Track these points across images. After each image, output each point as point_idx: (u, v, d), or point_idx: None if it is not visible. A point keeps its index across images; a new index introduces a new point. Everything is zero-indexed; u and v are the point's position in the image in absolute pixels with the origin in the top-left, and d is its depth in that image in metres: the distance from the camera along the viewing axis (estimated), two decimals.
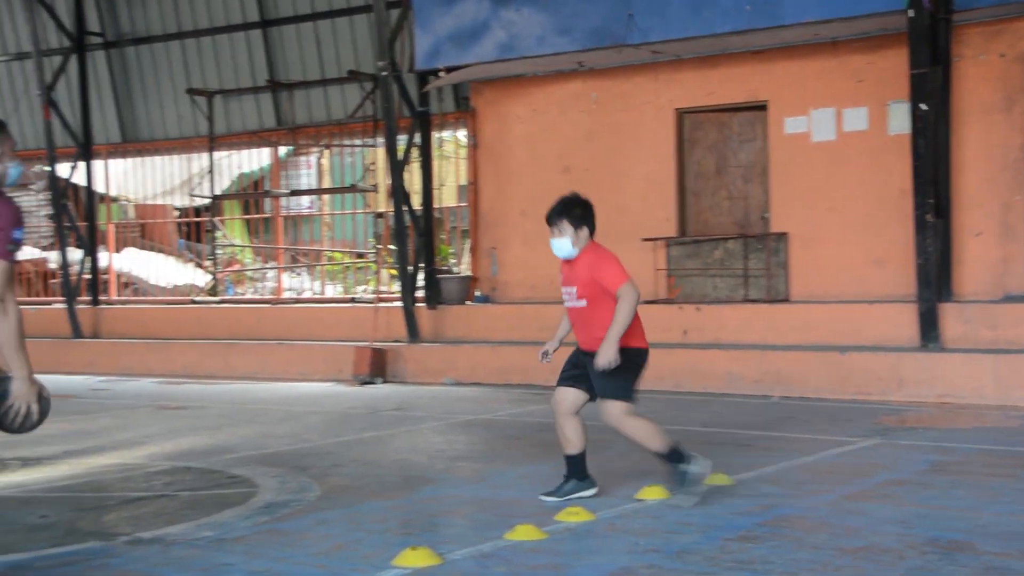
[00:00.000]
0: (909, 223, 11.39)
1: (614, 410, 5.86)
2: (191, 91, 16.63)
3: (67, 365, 15.96)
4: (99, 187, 17.87)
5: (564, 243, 5.93)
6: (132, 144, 17.88)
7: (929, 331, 10.96)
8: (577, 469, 6.10)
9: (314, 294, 17.33)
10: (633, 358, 5.89)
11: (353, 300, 15.64)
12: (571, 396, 6.04)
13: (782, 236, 12.74)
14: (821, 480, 6.72)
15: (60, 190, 16.63)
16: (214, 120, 16.70)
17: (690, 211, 13.50)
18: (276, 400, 11.89)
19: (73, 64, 16.94)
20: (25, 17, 16.76)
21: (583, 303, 5.92)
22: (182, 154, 17.68)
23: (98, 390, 13.52)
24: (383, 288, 15.60)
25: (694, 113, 13.44)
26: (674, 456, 5.87)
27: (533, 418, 9.97)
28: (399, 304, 14.06)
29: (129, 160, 18.22)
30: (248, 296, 17.96)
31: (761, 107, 13.00)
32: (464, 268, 15.78)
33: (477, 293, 14.73)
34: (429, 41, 13.66)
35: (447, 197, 15.65)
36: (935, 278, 11.03)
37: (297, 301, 16.42)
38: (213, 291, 17.29)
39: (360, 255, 17.52)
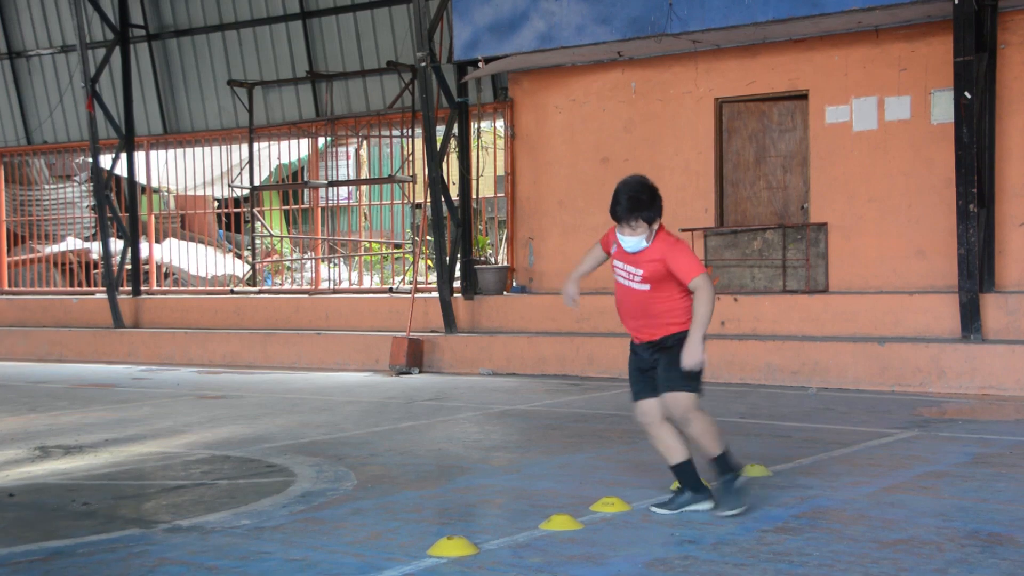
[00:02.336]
0: (951, 213, 11.27)
1: (684, 401, 5.49)
2: (232, 83, 16.75)
3: (108, 354, 16.16)
4: (141, 178, 18.05)
5: (639, 240, 5.48)
6: (173, 135, 18.04)
7: (971, 322, 10.84)
8: (689, 479, 5.62)
9: (351, 284, 17.40)
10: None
11: (390, 290, 15.70)
12: (655, 405, 5.60)
13: (822, 226, 12.64)
14: (859, 472, 6.66)
15: (103, 181, 16.80)
16: (254, 111, 16.80)
17: (729, 201, 13.42)
18: (313, 390, 11.97)
19: (116, 57, 17.12)
20: (70, 11, 16.93)
21: (647, 287, 5.49)
22: (222, 145, 17.82)
23: (139, 379, 13.66)
24: (420, 278, 15.64)
25: (734, 103, 13.35)
26: (726, 463, 5.56)
27: (570, 408, 9.96)
28: (436, 295, 14.11)
29: (170, 151, 18.39)
30: (286, 286, 18.07)
31: (802, 96, 12.89)
32: (501, 259, 15.79)
33: (514, 284, 14.74)
34: (468, 32, 13.65)
35: (485, 188, 15.66)
36: (977, 268, 10.90)
37: (335, 291, 16.50)
38: (252, 281, 17.42)
39: (397, 246, 17.57)
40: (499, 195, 15.92)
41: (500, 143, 15.73)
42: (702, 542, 4.99)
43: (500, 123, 15.55)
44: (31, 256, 19.62)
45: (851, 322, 11.79)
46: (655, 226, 5.48)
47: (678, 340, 5.49)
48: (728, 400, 10.33)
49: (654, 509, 5.59)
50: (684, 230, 13.28)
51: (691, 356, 5.40)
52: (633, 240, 5.48)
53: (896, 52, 12.23)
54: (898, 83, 12.25)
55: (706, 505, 5.57)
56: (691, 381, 5.51)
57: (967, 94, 10.72)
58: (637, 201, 5.42)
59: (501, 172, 15.53)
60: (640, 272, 5.50)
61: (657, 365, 5.57)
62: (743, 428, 8.56)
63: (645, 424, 5.67)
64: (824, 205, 12.69)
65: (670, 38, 12.56)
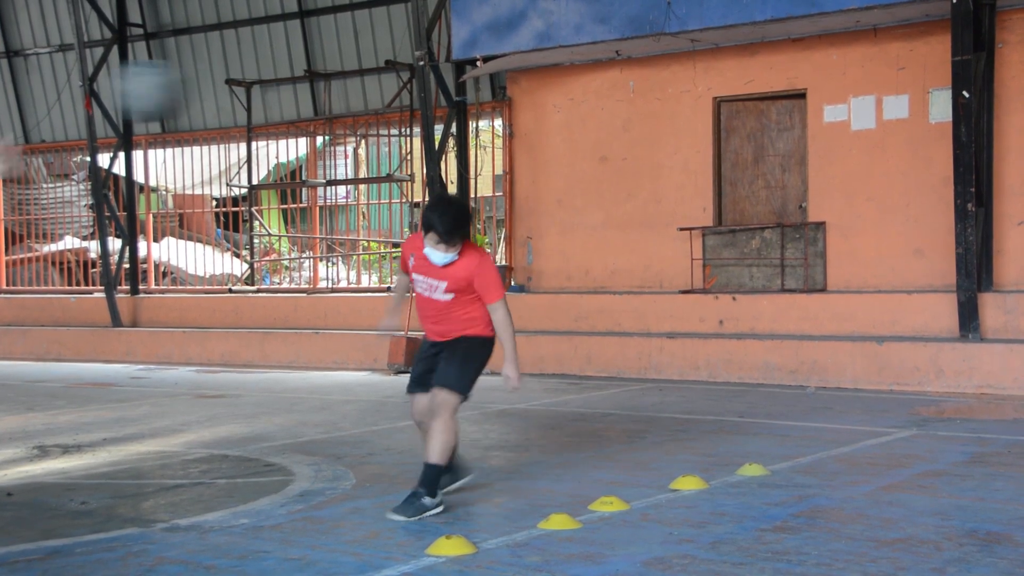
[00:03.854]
0: (949, 212, 11.27)
1: (451, 401, 5.64)
2: (230, 81, 16.73)
3: (107, 353, 16.16)
4: (139, 177, 18.03)
5: (450, 256, 5.63)
6: (171, 134, 18.03)
7: (969, 321, 10.84)
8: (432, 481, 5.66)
9: (350, 283, 17.40)
10: (485, 349, 5.83)
11: (389, 290, 15.69)
12: (427, 402, 5.78)
13: (820, 225, 12.64)
14: (857, 471, 6.67)
15: (101, 180, 16.79)
16: (252, 110, 16.79)
17: (727, 200, 13.43)
18: (311, 389, 11.96)
19: (114, 55, 17.09)
20: (68, 9, 16.92)
21: (450, 297, 5.70)
22: (220, 144, 17.80)
23: (137, 378, 13.66)
24: None
25: (732, 101, 13.35)
26: (435, 480, 5.59)
27: (568, 408, 9.96)
28: None
29: (168, 150, 18.38)
30: (284, 285, 18.07)
31: (800, 95, 12.89)
32: (500, 257, 15.78)
33: (512, 282, 14.74)
34: (466, 30, 13.65)
35: (483, 186, 15.65)
36: (975, 268, 10.91)
37: (333, 290, 16.50)
38: (250, 280, 17.41)
39: (396, 245, 17.56)
40: (497, 194, 15.92)
41: (498, 142, 15.73)
42: (700, 541, 4.99)
43: (498, 122, 15.55)
44: (29, 255, 19.60)
45: (849, 321, 11.80)
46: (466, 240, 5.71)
47: (469, 341, 5.75)
48: (726, 399, 10.33)
49: (391, 515, 5.49)
50: (682, 229, 13.30)
51: (514, 371, 5.74)
52: (446, 256, 5.62)
53: (894, 51, 12.24)
54: (896, 82, 12.25)
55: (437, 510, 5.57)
56: (463, 383, 5.71)
57: (965, 93, 10.73)
58: (462, 223, 5.62)
59: (499, 171, 15.53)
60: (444, 284, 5.69)
61: (439, 361, 5.76)
62: (741, 427, 8.56)
63: (418, 420, 5.90)
64: (822, 204, 12.69)
65: (668, 37, 12.56)
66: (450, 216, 5.59)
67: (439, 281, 5.69)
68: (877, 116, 12.41)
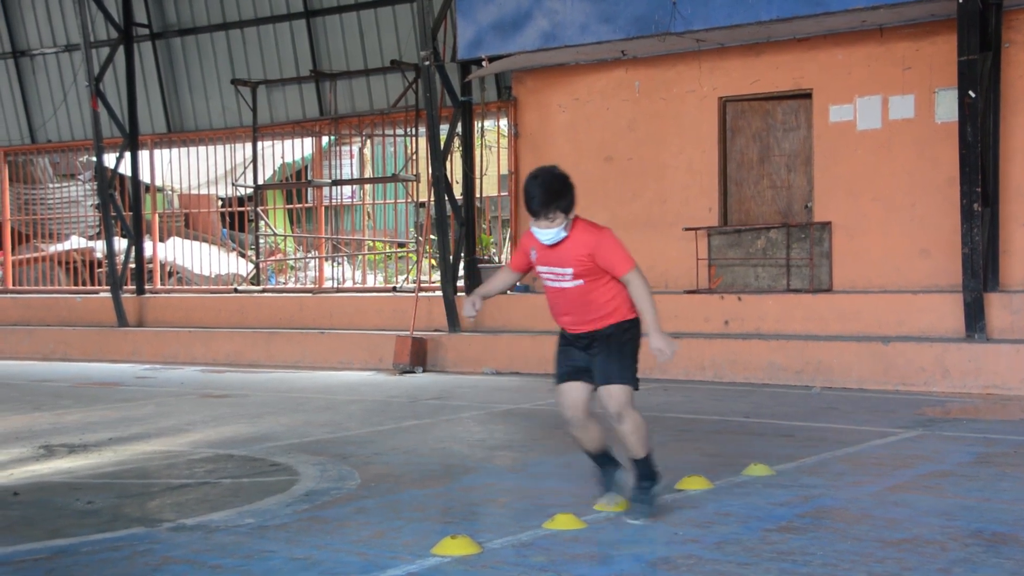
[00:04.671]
0: (955, 212, 11.25)
1: (621, 395, 5.28)
2: (235, 81, 16.75)
3: (112, 353, 16.18)
4: (145, 177, 18.06)
5: (556, 231, 5.26)
6: (177, 134, 18.05)
7: (975, 321, 10.83)
8: (610, 464, 5.59)
9: (355, 283, 17.41)
10: (637, 333, 5.41)
11: (394, 289, 15.71)
12: (583, 396, 5.44)
13: (826, 225, 12.63)
14: (863, 471, 6.66)
15: (107, 180, 16.81)
16: (258, 110, 16.81)
17: (732, 200, 13.42)
18: (317, 389, 11.97)
19: (120, 55, 17.11)
20: (74, 9, 16.94)
21: (580, 283, 5.29)
22: (226, 144, 17.83)
23: (143, 378, 13.67)
24: (424, 277, 15.64)
25: (738, 101, 13.35)
26: (649, 469, 5.43)
27: None
28: (440, 294, 14.11)
29: (174, 150, 18.40)
30: (290, 285, 18.08)
31: (806, 95, 12.88)
32: (505, 258, 15.78)
33: (517, 283, 14.72)
34: (472, 30, 13.65)
35: (488, 187, 15.66)
36: (981, 268, 10.89)
37: (338, 290, 16.51)
38: (256, 280, 17.43)
39: (401, 244, 17.58)
40: (503, 194, 15.92)
41: (504, 142, 15.73)
42: (705, 541, 4.98)
43: (504, 122, 15.55)
44: (35, 255, 19.64)
45: (855, 321, 11.79)
46: (571, 215, 5.30)
47: (618, 329, 5.35)
48: (732, 399, 10.33)
49: (600, 507, 5.52)
50: (688, 228, 13.29)
51: (665, 343, 5.25)
52: (551, 232, 5.26)
53: (900, 51, 12.22)
54: (902, 82, 12.23)
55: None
56: (629, 375, 5.36)
57: (971, 93, 10.71)
58: (551, 192, 5.24)
59: (505, 171, 15.53)
60: (569, 271, 5.30)
61: (593, 357, 5.38)
62: (747, 427, 8.56)
63: (568, 416, 5.47)
64: (828, 204, 12.68)
65: (674, 37, 12.56)
66: (538, 184, 5.23)
67: (564, 268, 5.28)
68: (883, 116, 12.39)
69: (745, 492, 6.02)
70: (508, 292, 14.41)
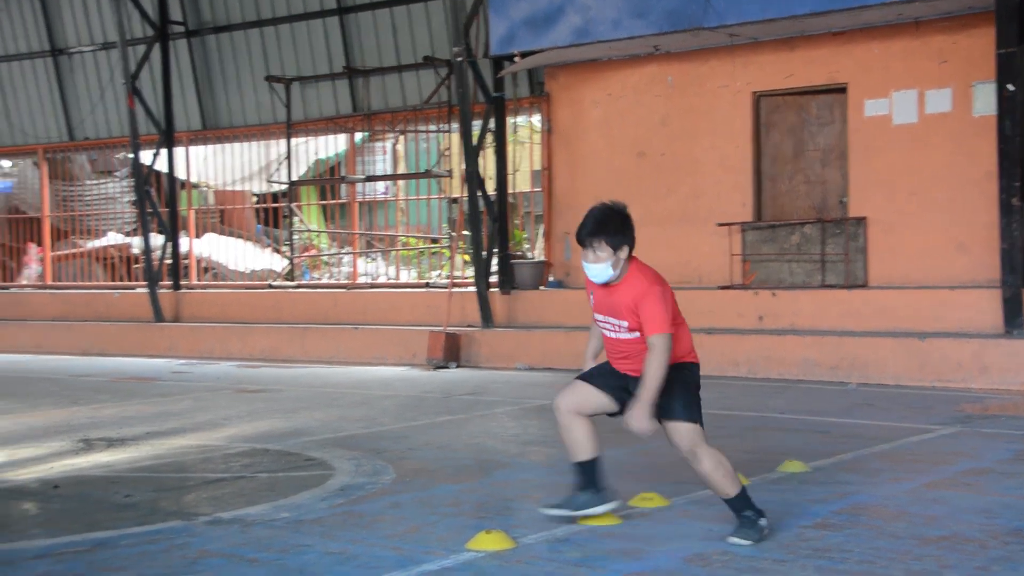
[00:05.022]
0: (993, 207, 11.13)
1: (694, 433, 4.92)
2: (269, 78, 16.84)
3: (149, 348, 16.32)
4: (180, 173, 18.19)
5: (603, 269, 4.94)
6: (212, 131, 18.17)
7: (1014, 317, 10.71)
8: (591, 479, 5.17)
9: (389, 279, 17.47)
10: (695, 375, 5.08)
11: (427, 285, 15.74)
12: (594, 396, 5.15)
13: (861, 221, 12.54)
14: (900, 468, 6.61)
15: (143, 177, 16.95)
16: (291, 107, 16.89)
17: (766, 196, 13.35)
18: (351, 384, 12.02)
19: (156, 53, 17.25)
20: (112, 8, 17.10)
21: (636, 335, 4.96)
22: (260, 140, 17.93)
23: (179, 373, 13.78)
24: (457, 273, 15.66)
25: (771, 96, 13.27)
26: (747, 501, 4.97)
27: None
28: (473, 289, 14.13)
29: (209, 147, 18.53)
30: (324, 281, 18.17)
31: (840, 90, 12.79)
32: (538, 253, 15.78)
33: (551, 278, 14.74)
34: (504, 26, 13.65)
35: (521, 182, 15.66)
36: (1020, 263, 10.77)
37: (372, 286, 16.57)
38: (290, 276, 17.52)
39: (434, 240, 17.62)
40: (535, 190, 15.91)
41: (536, 138, 15.73)
42: None
43: (536, 118, 15.54)
44: (74, 251, 19.84)
45: (891, 317, 11.69)
46: (623, 255, 4.95)
47: (673, 371, 4.94)
48: (766, 395, 10.28)
49: (545, 511, 5.21)
50: (721, 224, 13.23)
51: (639, 421, 4.85)
52: (596, 268, 4.94)
53: (937, 44, 12.10)
54: (939, 75, 12.12)
55: (604, 508, 5.13)
56: (695, 412, 4.98)
57: (1010, 86, 10.59)
58: (600, 223, 4.92)
59: (537, 167, 15.53)
60: (625, 323, 4.99)
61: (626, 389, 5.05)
62: (782, 424, 8.51)
63: (563, 409, 5.17)
64: (863, 199, 12.58)
65: (707, 31, 12.50)
66: (593, 215, 4.94)
67: (619, 320, 4.98)
68: (919, 110, 12.28)
69: (780, 488, 5.99)
70: (541, 288, 14.41)
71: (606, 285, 5.02)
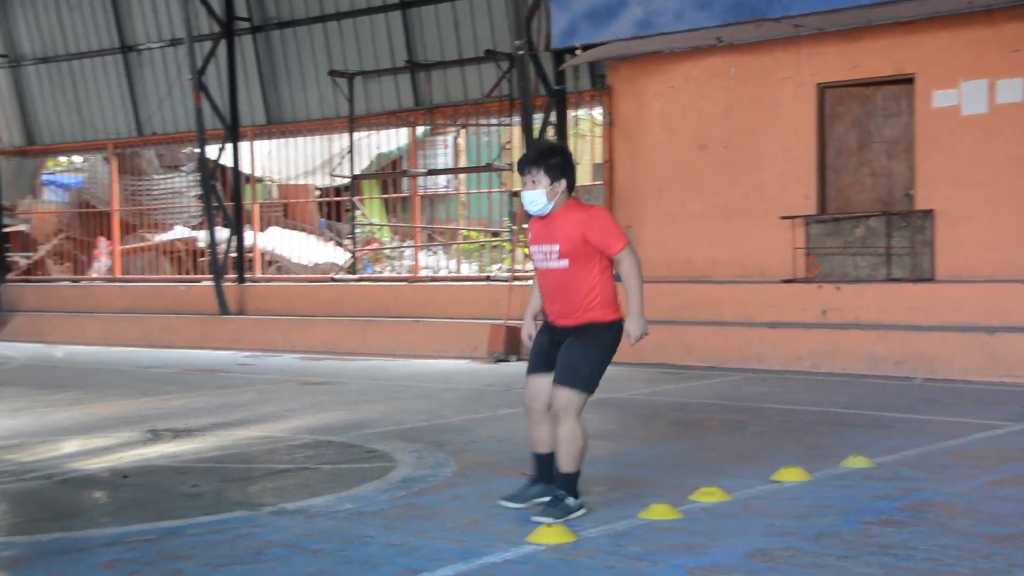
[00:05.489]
0: None
1: (574, 402, 5.15)
2: (333, 73, 16.98)
3: (214, 340, 16.55)
4: (245, 168, 18.42)
5: (538, 196, 5.21)
6: (276, 126, 18.36)
7: None
8: (548, 472, 5.41)
9: (450, 272, 17.54)
10: (612, 338, 5.28)
11: (488, 278, 15.78)
12: (546, 387, 5.32)
13: (928, 213, 12.34)
14: (966, 464, 6.51)
15: (209, 171, 17.19)
16: (354, 101, 17.02)
17: (831, 188, 13.18)
18: (412, 377, 12.11)
19: (222, 49, 17.47)
20: (179, 5, 17.35)
21: (565, 263, 5.19)
22: (323, 135, 18.08)
23: (243, 365, 13.97)
24: (518, 266, 15.68)
25: (836, 88, 13.09)
26: (574, 484, 5.22)
27: (668, 397, 9.91)
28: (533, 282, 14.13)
29: (273, 141, 18.73)
30: (386, 274, 18.30)
31: (907, 80, 12.58)
32: None
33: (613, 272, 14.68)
34: (566, 19, 13.62)
35: (582, 175, 15.62)
36: None
37: (433, 279, 16.65)
38: (352, 269, 17.67)
39: (495, 234, 17.66)
40: (596, 183, 15.87)
41: (597, 131, 15.69)
42: (803, 533, 4.93)
43: (598, 111, 15.50)
44: (142, 245, 20.18)
45: (958, 311, 11.50)
46: (559, 187, 5.23)
47: (595, 327, 5.24)
48: (830, 390, 10.17)
49: (502, 502, 5.48)
50: (784, 217, 13.10)
51: (636, 327, 5.24)
52: (533, 195, 5.22)
53: (1008, 32, 11.86)
54: (1010, 65, 11.87)
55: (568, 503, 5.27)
56: (587, 380, 5.20)
57: None
58: (540, 152, 5.27)
59: (599, 160, 15.49)
60: (556, 247, 5.21)
61: (559, 346, 5.31)
62: (845, 419, 8.42)
63: (530, 406, 5.40)
64: (930, 191, 12.38)
65: (771, 22, 12.37)
66: (535, 147, 5.34)
67: (551, 245, 5.21)
68: (989, 100, 12.05)
69: (844, 484, 5.93)
70: None
71: (544, 217, 5.30)
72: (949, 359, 10.81)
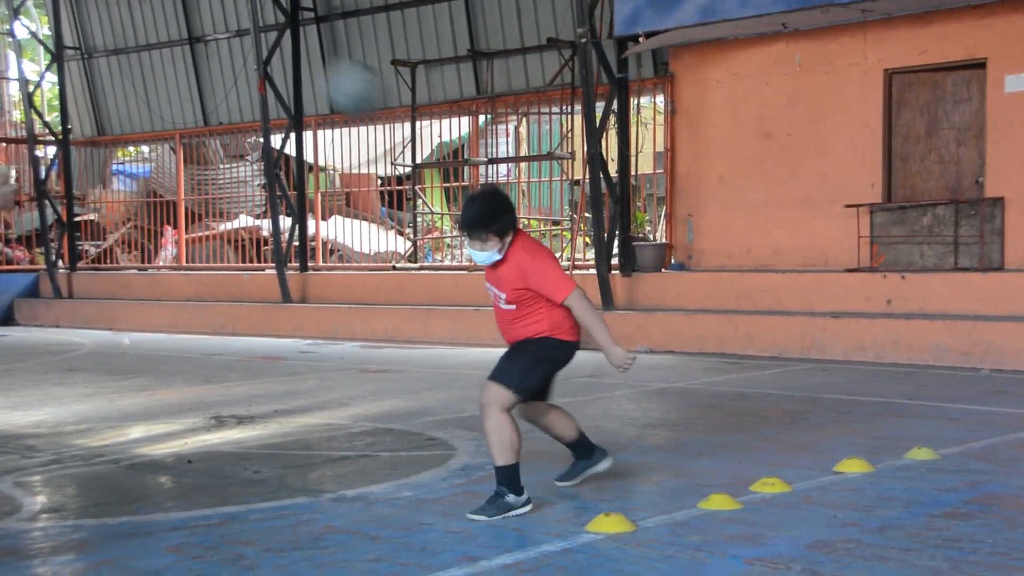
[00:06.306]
0: None
1: (494, 394, 5.19)
2: (395, 62, 17.06)
3: (277, 328, 16.74)
4: (308, 157, 18.58)
5: (490, 254, 5.19)
6: (339, 115, 18.48)
7: None
8: (584, 450, 5.70)
9: None
10: (553, 350, 5.35)
11: None
12: (539, 408, 5.59)
13: (998, 201, 12.09)
14: None
15: (273, 160, 17.37)
16: (416, 90, 17.08)
17: (897, 176, 12.98)
18: (472, 365, 12.14)
19: (287, 39, 17.61)
20: None
21: (512, 307, 5.29)
22: (385, 124, 18.18)
23: (305, 352, 14.11)
24: (578, 255, 15.65)
25: (904, 73, 12.88)
26: (511, 478, 5.15)
27: (728, 387, 9.84)
28: (594, 271, 14.09)
29: (336, 130, 18.87)
30: (446, 263, 18.36)
31: (979, 65, 12.33)
32: (660, 235, 15.66)
33: (672, 261, 14.61)
34: (629, 6, 13.54)
35: (644, 164, 15.54)
36: None
37: None
38: (413, 258, 17.75)
39: (556, 222, 17.63)
40: (658, 171, 15.78)
41: (659, 119, 15.59)
42: (866, 525, 4.86)
43: (660, 99, 15.40)
44: (207, 233, 20.46)
45: None
46: (508, 238, 5.18)
47: (534, 340, 5.31)
48: (894, 380, 10.03)
49: (559, 483, 5.69)
50: (848, 206, 12.93)
51: (614, 357, 5.35)
52: (484, 255, 5.21)
53: None
54: None
55: (605, 464, 5.70)
56: (515, 378, 5.23)
57: None
58: (485, 214, 5.12)
59: (660, 148, 15.39)
60: (504, 295, 5.29)
61: None
62: (909, 410, 8.30)
63: (531, 423, 5.63)
64: (1001, 179, 12.13)
65: (838, 8, 12.19)
66: (474, 208, 5.17)
67: (499, 291, 5.30)
68: None
69: (908, 476, 5.84)
70: (663, 270, 14.29)
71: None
72: (1018, 350, 10.59)
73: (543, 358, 5.35)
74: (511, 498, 5.12)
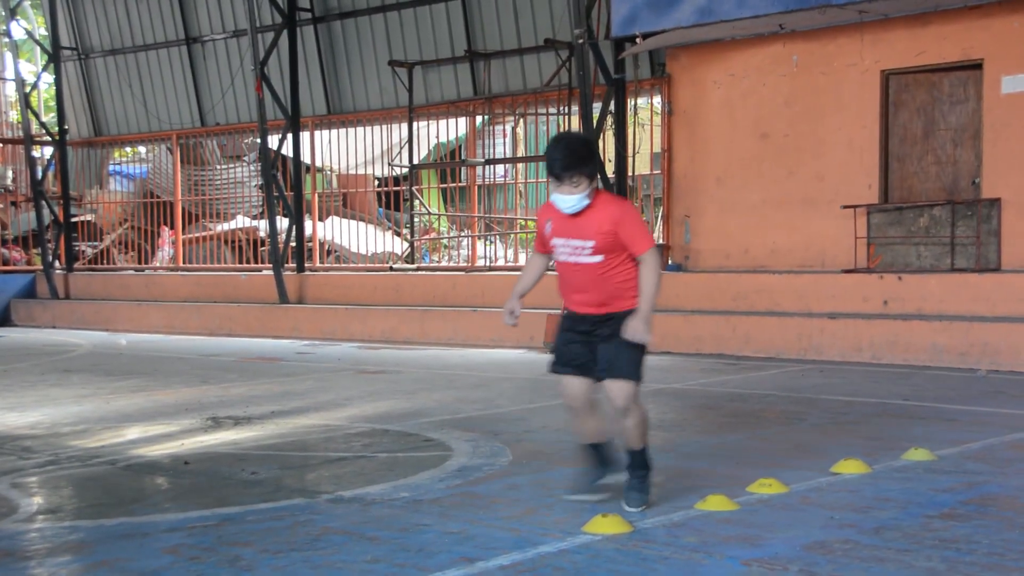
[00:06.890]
0: None
1: (629, 391, 5.12)
2: (392, 63, 17.06)
3: (274, 329, 16.74)
4: (305, 158, 18.57)
5: (580, 199, 5.02)
6: (336, 116, 18.49)
7: None
8: (603, 458, 5.52)
9: (507, 262, 17.54)
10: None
11: (545, 268, 15.73)
12: (585, 388, 5.30)
13: (994, 202, 12.11)
14: None
15: (270, 161, 17.35)
16: (413, 91, 17.08)
17: (894, 177, 12.99)
18: (469, 366, 12.14)
19: (284, 40, 17.60)
20: None
21: (599, 258, 5.07)
22: (383, 125, 18.17)
23: (302, 353, 14.10)
24: None
25: (901, 74, 12.89)
26: (644, 459, 5.27)
27: (725, 388, 9.84)
28: None
29: (333, 131, 18.87)
30: (444, 264, 18.35)
31: (976, 66, 12.34)
32: (657, 236, 15.67)
33: (670, 261, 14.62)
34: (626, 7, 13.54)
35: (641, 165, 15.55)
36: None
37: (491, 269, 16.67)
38: (410, 259, 17.75)
39: None
40: (655, 172, 15.79)
41: (657, 120, 15.60)
42: (863, 526, 4.87)
43: (657, 99, 15.41)
44: (204, 234, 20.45)
45: None
46: (596, 183, 5.08)
47: (627, 317, 5.10)
48: (891, 382, 10.03)
49: (568, 498, 5.44)
50: (846, 206, 12.93)
51: (637, 331, 5.03)
52: (573, 199, 5.00)
53: None
54: None
55: (618, 476, 5.45)
56: (637, 370, 5.17)
57: None
58: (577, 155, 4.98)
59: (657, 149, 15.40)
60: (591, 244, 5.07)
61: (596, 344, 5.19)
62: (907, 410, 8.30)
63: (572, 406, 5.39)
64: (997, 180, 12.14)
65: (835, 8, 12.20)
66: (563, 147, 5.01)
67: (584, 241, 5.06)
68: None
69: (905, 477, 5.84)
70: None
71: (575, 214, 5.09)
72: (1015, 351, 10.61)
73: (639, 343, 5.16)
74: (649, 476, 5.33)
